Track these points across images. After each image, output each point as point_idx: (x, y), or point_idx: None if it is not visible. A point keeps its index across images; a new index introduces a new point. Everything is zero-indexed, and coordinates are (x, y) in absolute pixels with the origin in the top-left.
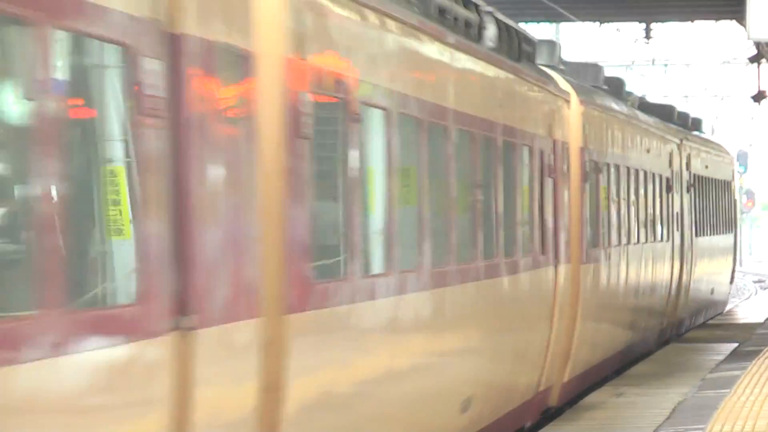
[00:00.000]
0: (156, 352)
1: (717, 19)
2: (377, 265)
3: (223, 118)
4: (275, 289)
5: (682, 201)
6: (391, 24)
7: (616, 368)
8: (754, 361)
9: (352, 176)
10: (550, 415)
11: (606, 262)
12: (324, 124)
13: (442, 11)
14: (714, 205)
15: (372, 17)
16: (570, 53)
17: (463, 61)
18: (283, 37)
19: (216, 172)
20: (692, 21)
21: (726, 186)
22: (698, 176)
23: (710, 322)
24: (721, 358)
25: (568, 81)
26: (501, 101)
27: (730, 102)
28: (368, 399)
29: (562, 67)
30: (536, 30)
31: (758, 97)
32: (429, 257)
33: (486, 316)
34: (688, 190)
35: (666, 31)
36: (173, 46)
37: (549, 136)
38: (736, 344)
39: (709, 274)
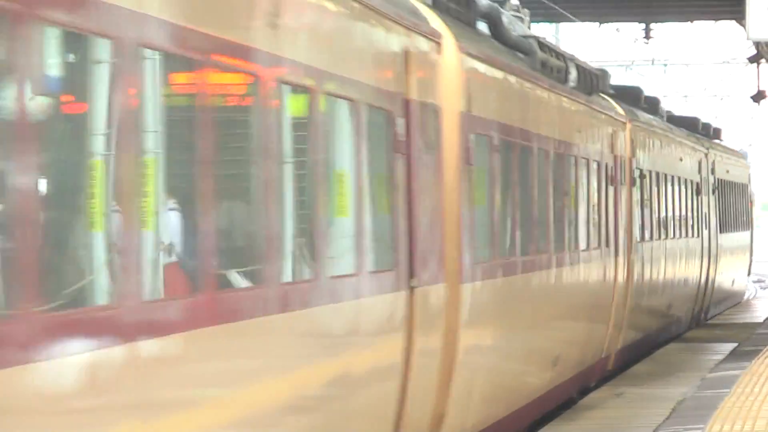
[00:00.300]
0: (402, 300)
1: (716, 20)
2: (516, 251)
3: (428, 150)
4: (454, 265)
5: (708, 202)
6: (514, 78)
7: (654, 345)
8: (753, 361)
9: (498, 188)
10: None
11: (650, 254)
12: (480, 155)
13: (543, 63)
14: (734, 205)
15: (509, 77)
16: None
17: (555, 100)
18: (459, 97)
19: (425, 186)
20: (692, 21)
21: (743, 188)
22: (721, 180)
23: (710, 321)
24: (720, 357)
25: (620, 105)
26: (579, 127)
27: (730, 102)
28: (508, 346)
29: (611, 92)
30: (537, 30)
31: (758, 97)
32: (549, 245)
33: (571, 293)
34: (713, 193)
35: (665, 31)
36: (407, 107)
37: (611, 152)
38: (735, 344)
39: (730, 266)
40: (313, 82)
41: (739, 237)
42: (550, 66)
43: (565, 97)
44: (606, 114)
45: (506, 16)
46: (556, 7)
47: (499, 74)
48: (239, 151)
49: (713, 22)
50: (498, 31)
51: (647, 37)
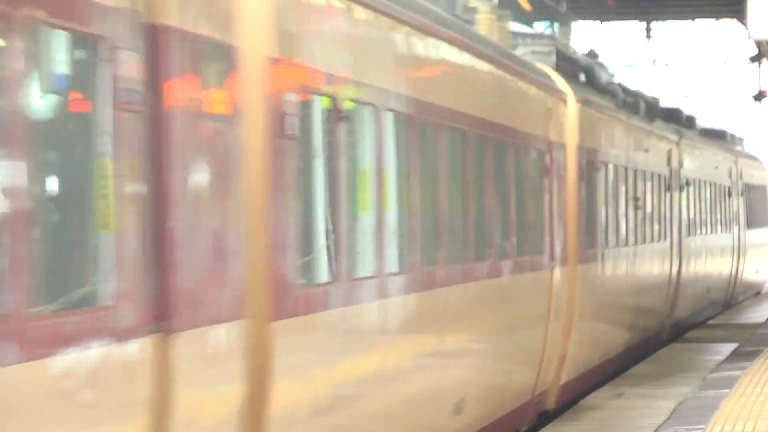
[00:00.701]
0: (547, 275)
1: (717, 18)
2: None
3: (559, 173)
4: (573, 248)
5: (738, 203)
6: (610, 118)
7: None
8: (754, 361)
9: (599, 198)
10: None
11: (696, 246)
12: (589, 174)
13: (624, 102)
14: (757, 205)
15: (606, 117)
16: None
17: (635, 129)
18: (576, 134)
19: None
20: (692, 20)
21: (764, 190)
22: (747, 184)
23: (710, 322)
24: (721, 358)
25: (670, 127)
26: (647, 148)
27: (730, 102)
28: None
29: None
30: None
31: (759, 97)
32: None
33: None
34: (741, 194)
35: (666, 30)
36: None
37: (668, 166)
38: (736, 344)
39: (755, 258)
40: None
41: (762, 233)
42: (629, 103)
43: (640, 127)
44: (664, 137)
45: (597, 67)
46: (556, 7)
47: (600, 116)
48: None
49: (714, 20)
50: (592, 80)
51: (648, 36)
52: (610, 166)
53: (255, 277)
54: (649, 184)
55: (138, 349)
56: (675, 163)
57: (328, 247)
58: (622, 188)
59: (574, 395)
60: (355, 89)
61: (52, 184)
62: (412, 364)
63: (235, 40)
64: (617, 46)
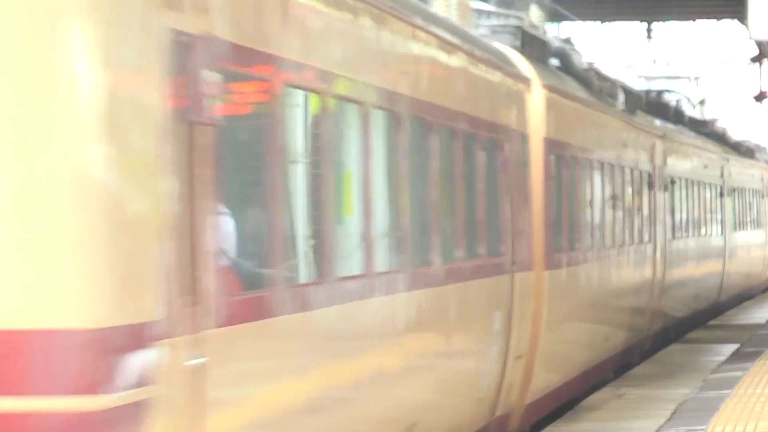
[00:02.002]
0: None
1: (718, 19)
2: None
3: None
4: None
5: (766, 205)
6: (581, 106)
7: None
8: (755, 362)
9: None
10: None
11: (738, 241)
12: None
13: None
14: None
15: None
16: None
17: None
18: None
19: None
20: (693, 20)
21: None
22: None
23: (711, 323)
24: (722, 359)
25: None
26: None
27: (731, 102)
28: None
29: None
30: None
31: (760, 97)
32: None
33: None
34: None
35: (667, 30)
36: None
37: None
38: (737, 345)
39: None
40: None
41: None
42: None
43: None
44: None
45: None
46: (557, 7)
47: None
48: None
49: (715, 21)
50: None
51: (649, 36)
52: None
53: (538, 247)
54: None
55: (506, 279)
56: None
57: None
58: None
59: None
60: (574, 149)
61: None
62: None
63: (528, 130)
64: (618, 47)
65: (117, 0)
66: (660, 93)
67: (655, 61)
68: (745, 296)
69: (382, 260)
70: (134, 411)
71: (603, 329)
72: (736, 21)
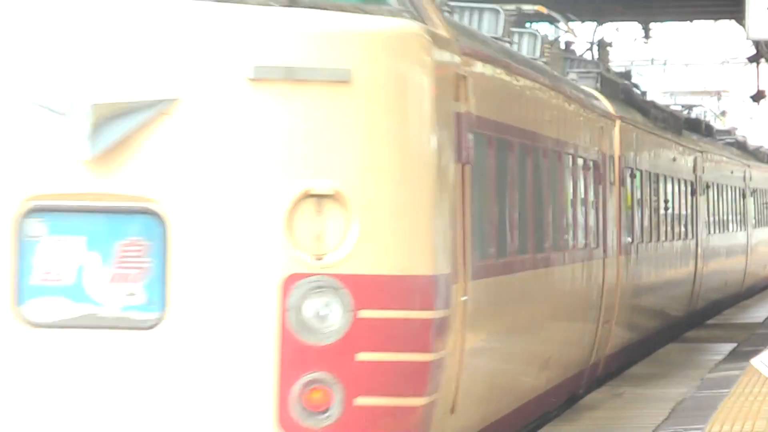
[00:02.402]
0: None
1: (716, 19)
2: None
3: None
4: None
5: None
6: (643, 131)
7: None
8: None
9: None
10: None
11: (759, 237)
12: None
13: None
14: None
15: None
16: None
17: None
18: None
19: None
20: (691, 21)
21: None
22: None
23: (709, 322)
24: (720, 358)
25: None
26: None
27: (730, 102)
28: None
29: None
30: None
31: (757, 97)
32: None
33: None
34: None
35: (665, 30)
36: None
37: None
38: (735, 344)
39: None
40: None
41: None
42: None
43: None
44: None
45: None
46: (557, 7)
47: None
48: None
49: (713, 21)
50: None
51: (647, 37)
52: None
53: (616, 239)
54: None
55: (600, 263)
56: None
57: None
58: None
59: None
60: (647, 166)
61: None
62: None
63: (612, 152)
64: (616, 47)
65: (440, 101)
66: (691, 108)
67: (653, 61)
68: (765, 285)
69: (540, 245)
70: (445, 321)
71: (663, 302)
72: (733, 21)
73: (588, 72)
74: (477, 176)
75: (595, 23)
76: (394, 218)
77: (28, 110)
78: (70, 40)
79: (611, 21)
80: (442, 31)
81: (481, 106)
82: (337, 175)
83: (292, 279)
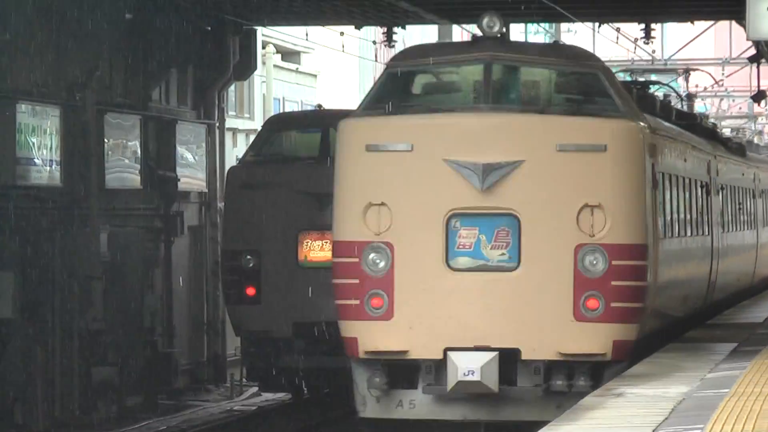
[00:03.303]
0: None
1: (716, 20)
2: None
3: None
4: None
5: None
6: (674, 142)
7: None
8: (753, 361)
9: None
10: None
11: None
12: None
13: (725, 140)
14: None
15: (674, 142)
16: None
17: (734, 162)
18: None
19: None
20: (692, 22)
21: None
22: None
23: (709, 322)
24: (720, 357)
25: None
26: (742, 173)
27: (729, 102)
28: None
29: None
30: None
31: (758, 97)
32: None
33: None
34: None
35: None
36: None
37: (708, 174)
38: (735, 344)
39: None
40: (745, 185)
41: None
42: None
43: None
44: (753, 164)
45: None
46: (556, 7)
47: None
48: None
49: (713, 22)
50: (667, 114)
51: (647, 37)
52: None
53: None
54: (750, 198)
55: (709, 238)
56: (713, 173)
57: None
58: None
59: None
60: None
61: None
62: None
63: (711, 176)
64: (616, 47)
65: (646, 158)
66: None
67: (653, 62)
68: None
69: (688, 227)
70: (648, 266)
71: (739, 268)
72: (733, 22)
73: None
74: (662, 194)
75: (595, 23)
76: (627, 215)
77: (453, 167)
78: (475, 135)
79: (611, 21)
80: (645, 123)
81: (662, 159)
82: (600, 195)
83: (578, 246)
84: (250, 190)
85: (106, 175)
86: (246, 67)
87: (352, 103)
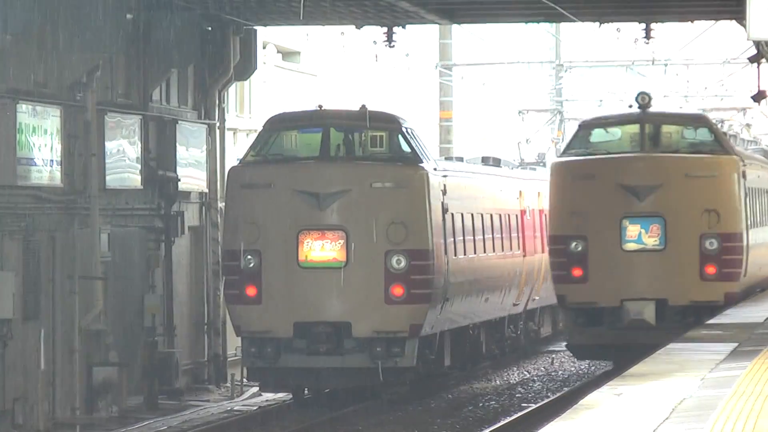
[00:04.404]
0: None
1: (717, 19)
2: None
3: None
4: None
5: None
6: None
7: None
8: (754, 361)
9: (756, 207)
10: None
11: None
12: (751, 198)
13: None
14: None
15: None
16: (570, 53)
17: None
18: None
19: None
20: (692, 21)
21: None
22: None
23: (709, 321)
24: (721, 357)
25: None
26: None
27: (729, 102)
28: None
29: None
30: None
31: (758, 97)
32: None
33: None
34: None
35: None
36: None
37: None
38: (735, 344)
39: None
40: None
41: None
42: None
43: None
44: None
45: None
46: (557, 7)
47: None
48: None
49: (713, 22)
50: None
51: (648, 37)
52: (753, 190)
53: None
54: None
55: None
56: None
57: None
58: (756, 201)
59: None
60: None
61: None
62: None
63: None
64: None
65: (740, 179)
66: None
67: (653, 62)
68: None
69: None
70: (740, 247)
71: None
72: (734, 21)
73: (757, 149)
74: (749, 199)
75: (595, 23)
76: (734, 213)
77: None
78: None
79: (611, 21)
80: (735, 154)
81: (747, 178)
82: (716, 202)
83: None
84: (251, 190)
85: (107, 175)
86: (246, 67)
87: (352, 103)
